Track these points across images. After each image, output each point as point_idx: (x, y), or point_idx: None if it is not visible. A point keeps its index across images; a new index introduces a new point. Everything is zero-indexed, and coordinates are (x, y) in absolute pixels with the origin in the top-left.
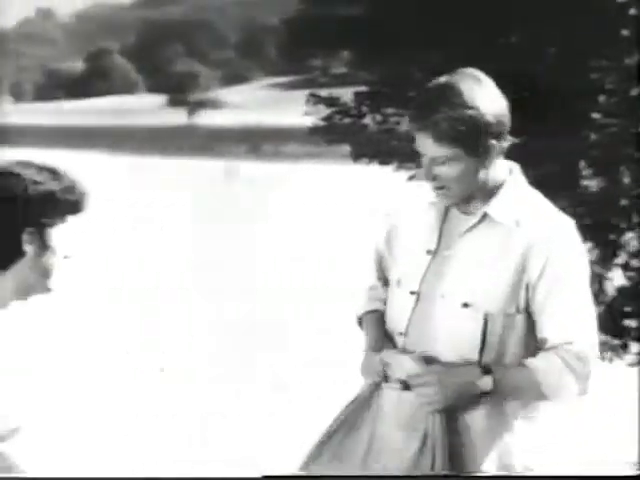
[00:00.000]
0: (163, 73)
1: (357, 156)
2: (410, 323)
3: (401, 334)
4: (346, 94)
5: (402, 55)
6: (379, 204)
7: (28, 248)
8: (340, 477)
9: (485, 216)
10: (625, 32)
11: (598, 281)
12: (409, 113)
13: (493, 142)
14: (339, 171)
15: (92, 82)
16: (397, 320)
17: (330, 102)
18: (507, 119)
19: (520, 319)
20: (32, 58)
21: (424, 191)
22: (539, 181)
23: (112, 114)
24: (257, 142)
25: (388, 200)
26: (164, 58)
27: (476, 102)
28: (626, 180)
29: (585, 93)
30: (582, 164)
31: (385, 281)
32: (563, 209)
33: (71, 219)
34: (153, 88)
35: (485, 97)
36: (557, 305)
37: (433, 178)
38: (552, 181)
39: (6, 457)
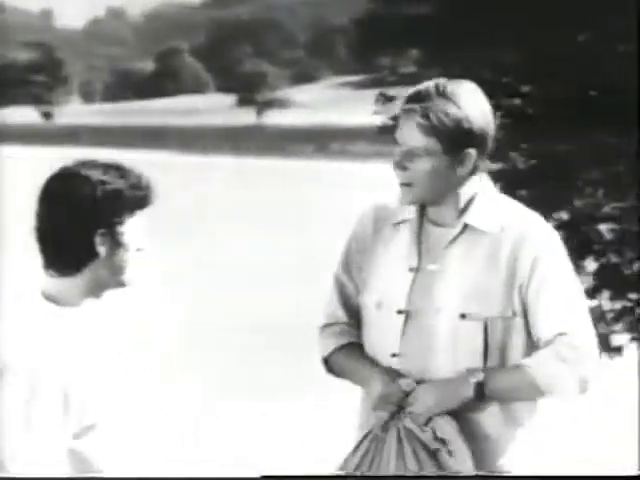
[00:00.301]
0: (232, 73)
1: None
2: (403, 343)
3: (394, 355)
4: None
5: (471, 54)
6: None
7: (101, 249)
8: (340, 477)
9: (466, 227)
10: None
11: None
12: (406, 95)
13: (472, 151)
14: None
15: (161, 82)
16: (385, 343)
17: (398, 101)
18: (491, 137)
19: (519, 322)
20: (101, 58)
21: (389, 214)
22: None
23: (181, 114)
24: (325, 141)
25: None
26: (233, 58)
27: (468, 108)
28: None
29: None
30: None
31: (349, 310)
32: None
33: (140, 213)
34: (222, 88)
35: (477, 109)
36: (549, 302)
37: (404, 168)
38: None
39: (81, 455)
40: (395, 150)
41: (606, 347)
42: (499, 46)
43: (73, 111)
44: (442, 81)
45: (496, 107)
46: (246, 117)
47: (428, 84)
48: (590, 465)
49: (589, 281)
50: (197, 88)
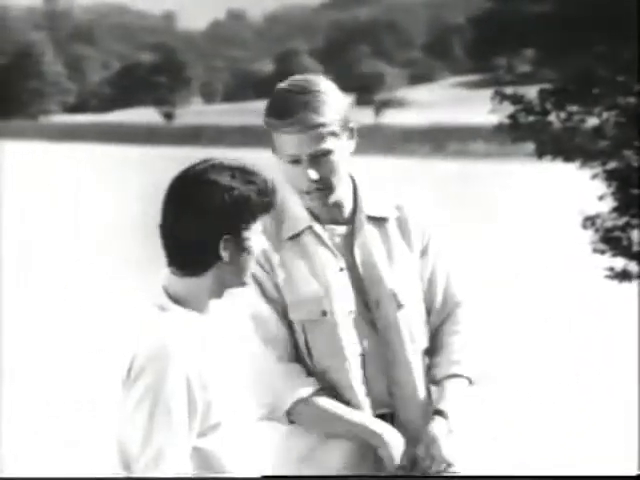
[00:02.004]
0: (350, 73)
1: (541, 153)
2: (364, 340)
3: (361, 355)
4: (531, 92)
5: (588, 52)
6: (566, 202)
7: (224, 253)
8: (339, 477)
9: (367, 217)
10: None
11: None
12: (270, 120)
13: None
14: (524, 169)
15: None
16: (344, 344)
17: (515, 100)
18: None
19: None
20: (222, 59)
21: (277, 230)
22: None
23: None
24: (442, 141)
25: (572, 199)
26: (351, 58)
27: (321, 86)
28: None
29: None
30: None
31: (293, 352)
32: None
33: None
34: (340, 88)
35: (334, 88)
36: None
37: (316, 178)
38: None
39: (206, 454)
40: (290, 166)
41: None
42: (616, 44)
43: (194, 111)
44: (300, 86)
45: (611, 106)
46: (364, 117)
47: (291, 100)
48: (590, 465)
49: None
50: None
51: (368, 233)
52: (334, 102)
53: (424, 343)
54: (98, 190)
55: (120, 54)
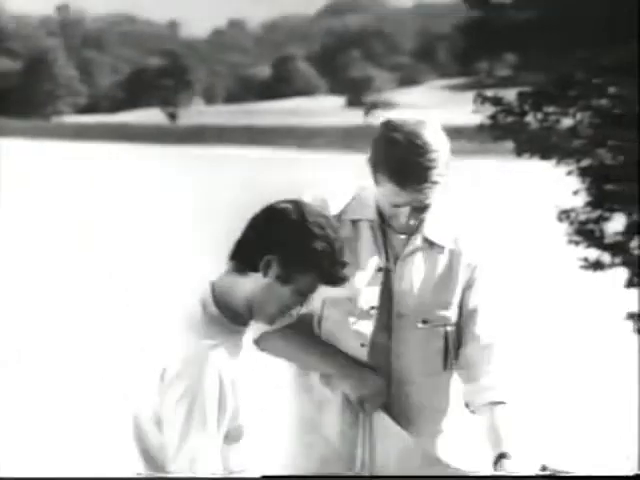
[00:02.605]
0: (342, 77)
1: (520, 151)
2: (372, 337)
3: (363, 345)
4: (510, 94)
5: (566, 57)
6: (543, 197)
7: (266, 272)
8: (339, 477)
9: (425, 239)
10: None
11: None
12: (385, 178)
13: None
14: (504, 166)
15: (277, 86)
16: (353, 334)
17: (495, 102)
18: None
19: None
20: (223, 64)
21: (345, 209)
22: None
23: (296, 114)
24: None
25: (549, 194)
26: (343, 63)
27: (434, 144)
28: None
29: None
30: None
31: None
32: None
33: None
34: (333, 90)
35: (440, 136)
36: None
37: (412, 224)
38: None
39: (229, 454)
40: (398, 214)
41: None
42: (593, 50)
43: (196, 112)
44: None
45: (586, 107)
46: (354, 117)
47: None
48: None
49: None
50: (310, 91)
51: (419, 251)
52: (444, 156)
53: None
54: (107, 185)
55: (128, 59)
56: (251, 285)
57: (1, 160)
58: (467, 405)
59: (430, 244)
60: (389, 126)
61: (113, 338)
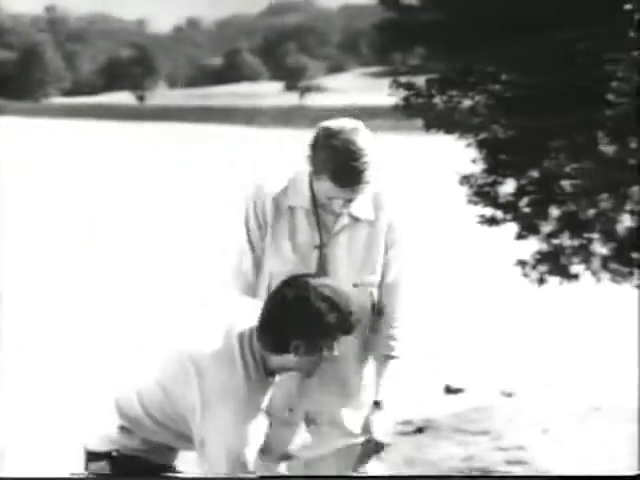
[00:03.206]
0: (281, 65)
1: (428, 127)
2: None
3: None
4: (420, 80)
5: (465, 50)
6: (447, 164)
7: (298, 352)
8: (339, 477)
9: (351, 216)
10: (631, 33)
11: (613, 223)
12: (326, 179)
13: None
14: (415, 140)
15: (228, 73)
16: None
17: (407, 86)
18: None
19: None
20: (182, 55)
21: (283, 197)
22: (569, 147)
23: (243, 97)
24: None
25: (452, 162)
26: (281, 54)
27: (366, 149)
28: (633, 145)
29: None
30: (600, 134)
31: (255, 275)
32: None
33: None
34: (273, 77)
35: (371, 141)
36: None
37: (346, 213)
38: (576, 148)
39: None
40: (333, 203)
41: (565, 275)
42: (488, 45)
43: (160, 95)
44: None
45: (483, 91)
46: (291, 99)
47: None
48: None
49: (554, 224)
50: (254, 77)
51: (346, 227)
52: (374, 159)
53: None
54: (87, 156)
55: (104, 51)
56: (285, 360)
57: (5, 134)
58: (367, 350)
59: (355, 219)
60: (327, 133)
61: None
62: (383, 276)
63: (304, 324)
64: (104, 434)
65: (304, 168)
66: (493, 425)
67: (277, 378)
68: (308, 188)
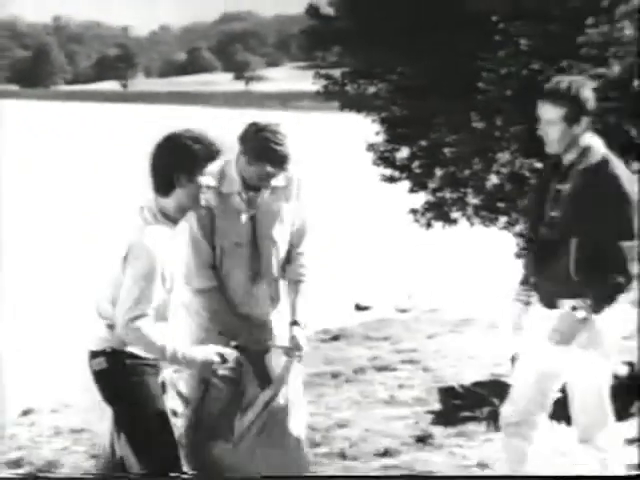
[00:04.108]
0: (231, 60)
1: (342, 108)
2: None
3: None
4: (336, 73)
5: (370, 49)
6: (357, 136)
7: (181, 183)
8: (339, 477)
9: (273, 188)
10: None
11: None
12: (253, 159)
13: None
14: (333, 117)
15: (190, 66)
16: (244, 265)
17: (327, 77)
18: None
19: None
20: (156, 52)
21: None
22: (449, 123)
23: (202, 84)
24: (285, 100)
25: (361, 134)
26: (231, 52)
27: (288, 137)
28: (499, 123)
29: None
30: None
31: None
32: (461, 139)
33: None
34: (225, 69)
35: (284, 130)
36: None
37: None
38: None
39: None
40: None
41: (447, 220)
42: (388, 45)
43: (139, 83)
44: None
45: (384, 80)
46: (239, 86)
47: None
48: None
49: (438, 181)
50: (211, 70)
51: (266, 197)
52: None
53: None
54: (85, 128)
55: (96, 50)
56: (175, 197)
57: (19, 115)
58: (285, 278)
59: (273, 188)
60: (257, 127)
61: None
62: (293, 224)
63: (177, 157)
64: (98, 335)
65: (226, 160)
66: (392, 333)
67: None
68: (238, 174)
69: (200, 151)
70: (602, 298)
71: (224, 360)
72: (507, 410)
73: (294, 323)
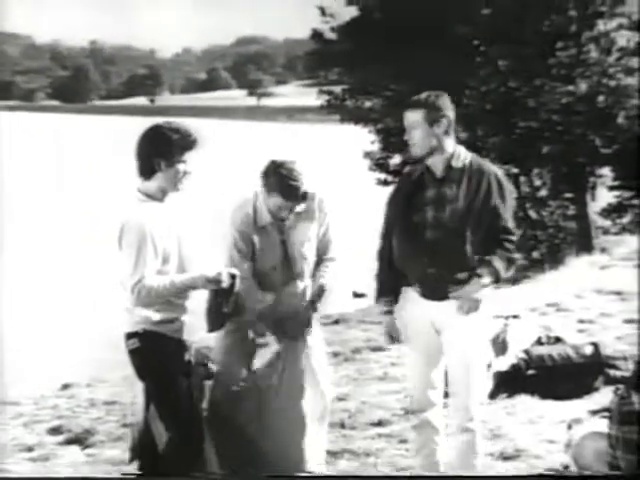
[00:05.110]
0: (245, 79)
1: (342, 120)
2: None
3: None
4: (337, 89)
5: (366, 69)
6: (355, 145)
7: (157, 167)
8: (339, 477)
9: (296, 214)
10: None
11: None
12: (275, 194)
13: None
14: (334, 129)
15: (209, 84)
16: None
17: (329, 93)
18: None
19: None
20: (180, 72)
21: (254, 218)
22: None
23: (219, 100)
24: (292, 114)
25: (359, 144)
26: (245, 71)
27: (302, 172)
28: (480, 133)
29: None
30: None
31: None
32: None
33: (188, 153)
34: (240, 86)
35: (300, 167)
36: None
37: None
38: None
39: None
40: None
41: None
42: (382, 65)
43: (165, 99)
44: None
45: (380, 96)
46: (252, 101)
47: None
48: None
49: None
50: (227, 87)
51: (294, 223)
52: (305, 179)
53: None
54: (116, 138)
55: (127, 70)
56: (156, 180)
57: (61, 127)
58: (314, 275)
59: (297, 214)
60: (275, 164)
61: None
62: (318, 235)
63: (158, 144)
64: (132, 319)
65: (251, 197)
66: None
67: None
68: (267, 209)
69: (178, 140)
70: (502, 267)
71: (232, 276)
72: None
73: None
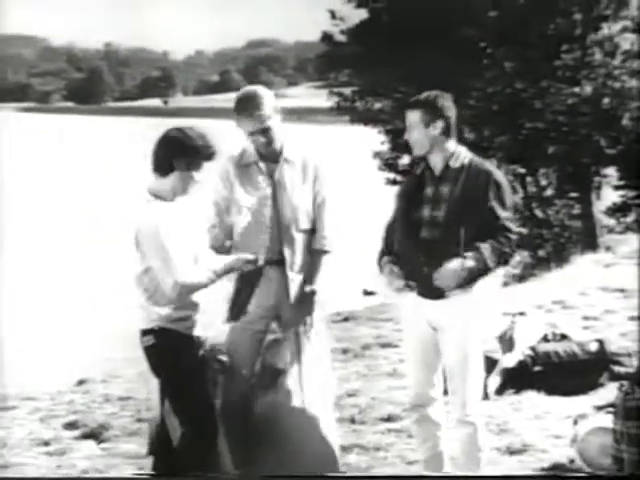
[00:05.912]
0: (256, 81)
1: (352, 121)
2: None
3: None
4: (347, 91)
5: (376, 71)
6: (365, 146)
7: (182, 167)
8: (339, 477)
9: (285, 159)
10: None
11: None
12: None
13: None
14: (344, 130)
15: (222, 85)
16: (259, 235)
17: (339, 95)
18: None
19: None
20: (193, 73)
21: (236, 159)
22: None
23: (231, 101)
24: (303, 115)
25: (368, 144)
26: (256, 73)
27: (264, 96)
28: (486, 133)
29: None
30: (464, 127)
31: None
32: None
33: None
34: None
35: (271, 97)
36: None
37: (262, 142)
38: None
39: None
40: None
41: None
42: (391, 67)
43: (178, 100)
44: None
45: (389, 97)
46: None
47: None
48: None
49: None
50: (239, 89)
51: (283, 169)
52: (269, 100)
53: (306, 225)
54: (130, 139)
55: (141, 72)
56: (170, 178)
57: (77, 127)
58: (310, 249)
59: (287, 161)
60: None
61: None
62: (314, 200)
63: (185, 146)
64: (148, 317)
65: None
66: (394, 315)
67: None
68: (254, 150)
69: (203, 148)
70: (490, 257)
71: (255, 261)
72: (494, 381)
73: (312, 292)
